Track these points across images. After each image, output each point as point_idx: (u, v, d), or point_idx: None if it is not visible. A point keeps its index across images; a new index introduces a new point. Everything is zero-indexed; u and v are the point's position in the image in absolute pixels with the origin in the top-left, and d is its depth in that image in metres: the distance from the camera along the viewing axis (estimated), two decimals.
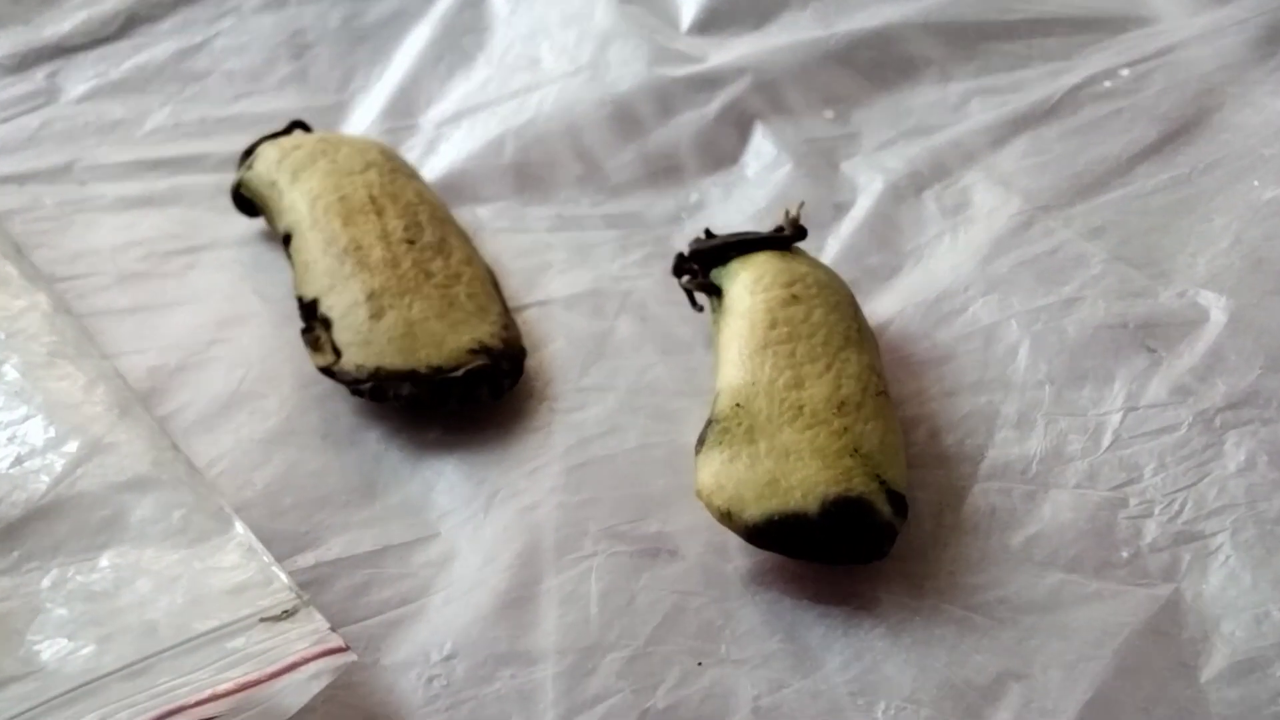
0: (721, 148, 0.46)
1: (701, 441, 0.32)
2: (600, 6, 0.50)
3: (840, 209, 0.42)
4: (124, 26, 0.51)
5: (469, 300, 0.36)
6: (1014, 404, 0.35)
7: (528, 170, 0.46)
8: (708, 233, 0.38)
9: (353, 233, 0.38)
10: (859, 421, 0.31)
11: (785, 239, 0.37)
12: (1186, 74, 0.45)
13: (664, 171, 0.45)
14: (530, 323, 0.39)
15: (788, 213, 0.38)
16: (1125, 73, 0.45)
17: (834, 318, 0.34)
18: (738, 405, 0.32)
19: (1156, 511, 0.32)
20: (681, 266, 0.38)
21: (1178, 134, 0.43)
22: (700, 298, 0.37)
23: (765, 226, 0.42)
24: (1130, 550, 0.31)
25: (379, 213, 0.39)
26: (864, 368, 0.33)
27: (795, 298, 0.34)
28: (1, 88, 0.48)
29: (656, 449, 0.34)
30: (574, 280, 0.41)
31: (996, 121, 0.44)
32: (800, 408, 0.31)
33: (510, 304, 0.39)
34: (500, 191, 0.45)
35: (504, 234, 0.43)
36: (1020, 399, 0.35)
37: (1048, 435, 0.34)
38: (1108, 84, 0.45)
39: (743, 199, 0.44)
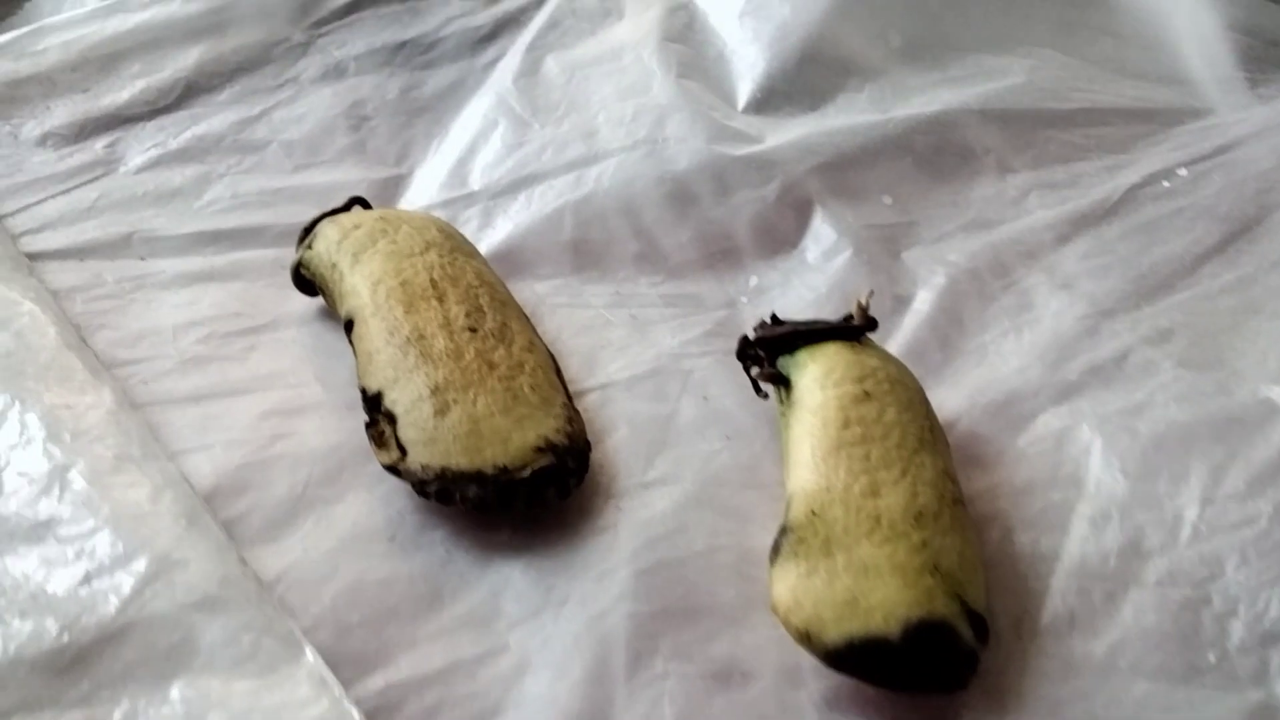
0: (780, 231, 0.46)
1: (776, 551, 0.31)
2: (657, 80, 0.51)
3: (901, 301, 0.42)
4: (182, 96, 0.51)
5: (532, 392, 0.36)
6: (1088, 500, 0.35)
7: (586, 247, 0.46)
8: (774, 318, 0.38)
9: (415, 320, 0.37)
10: (937, 534, 0.31)
11: (855, 329, 0.37)
12: (1244, 172, 0.45)
13: (722, 253, 0.45)
14: (592, 410, 0.39)
15: (859, 303, 0.37)
16: (1183, 172, 0.45)
17: (907, 417, 0.34)
18: (813, 513, 0.31)
19: (1241, 610, 0.31)
20: (746, 351, 0.38)
21: (1240, 233, 0.43)
22: (766, 385, 0.37)
23: (826, 314, 0.42)
24: (1216, 653, 0.30)
25: (440, 298, 0.38)
26: (939, 474, 0.33)
27: (868, 394, 0.34)
28: (60, 158, 0.48)
29: (725, 552, 0.34)
30: (634, 359, 0.41)
31: (1057, 219, 0.44)
32: (877, 518, 0.31)
33: (572, 388, 0.39)
34: (558, 268, 0.45)
35: (563, 309, 0.43)
36: (1095, 494, 0.35)
37: (1124, 530, 0.34)
38: (1166, 184, 0.45)
39: (802, 285, 0.44)
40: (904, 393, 0.35)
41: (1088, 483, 0.35)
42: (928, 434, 0.34)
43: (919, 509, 0.31)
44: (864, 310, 0.37)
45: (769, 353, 0.37)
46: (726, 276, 0.44)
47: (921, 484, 0.32)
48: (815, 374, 0.35)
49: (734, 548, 0.34)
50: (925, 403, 0.35)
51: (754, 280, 0.44)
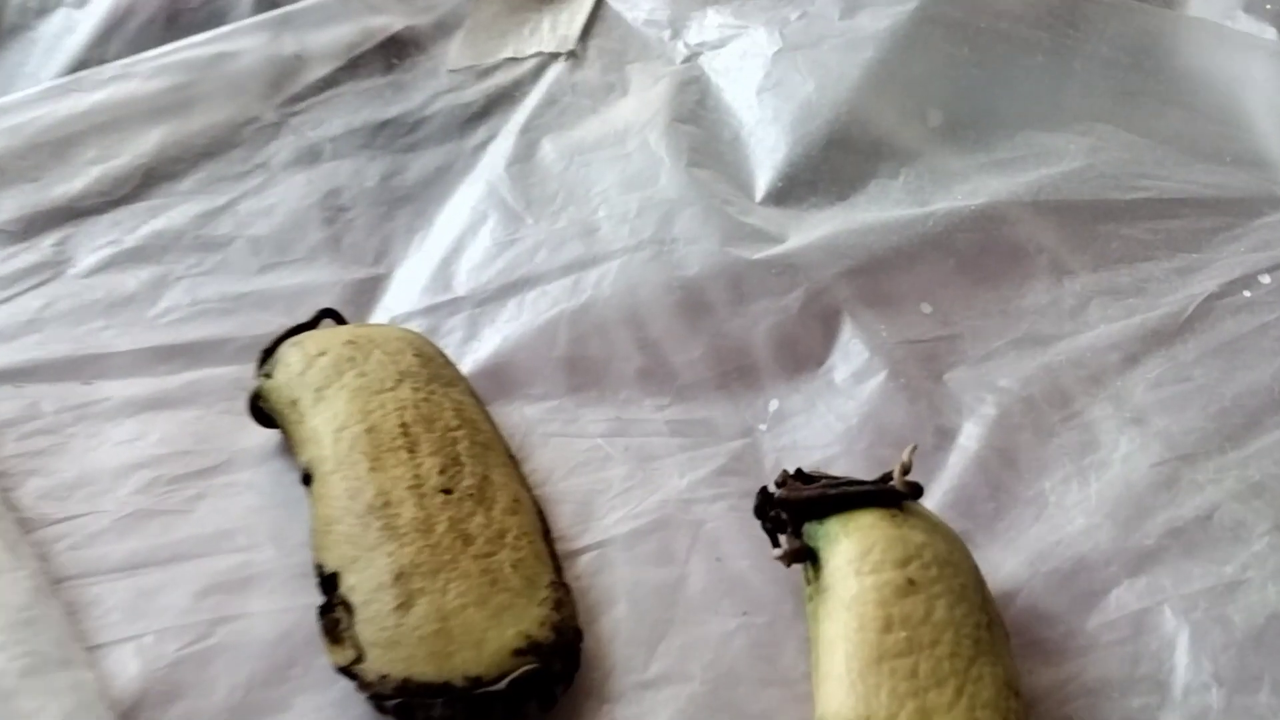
0: (804, 346, 0.40)
1: None
2: (666, 169, 0.45)
3: (945, 435, 0.37)
4: (141, 185, 0.46)
5: (514, 571, 0.31)
6: (1175, 712, 0.29)
7: (583, 364, 0.40)
8: (800, 473, 0.33)
9: (381, 481, 0.32)
10: None
11: (896, 495, 0.31)
12: None
13: (737, 372, 0.40)
14: (586, 576, 0.34)
15: (902, 464, 0.32)
16: (1266, 279, 0.39)
17: (960, 612, 0.28)
18: None
19: None
20: (767, 512, 0.33)
21: None
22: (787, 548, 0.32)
23: (858, 450, 0.37)
24: None
25: (411, 448, 0.33)
26: (999, 689, 0.27)
27: (912, 584, 0.28)
28: (5, 259, 0.43)
29: None
30: (636, 507, 0.36)
31: (1123, 336, 0.38)
32: None
33: (563, 546, 0.34)
34: (552, 388, 0.40)
35: (555, 440, 0.38)
36: (1182, 704, 0.29)
37: None
38: (1247, 293, 0.39)
39: (829, 412, 0.38)
40: (955, 577, 0.29)
41: (1174, 688, 0.30)
42: (984, 633, 0.28)
43: None
44: (906, 470, 0.31)
45: (793, 518, 0.31)
46: (743, 400, 0.39)
47: (980, 707, 0.26)
48: (849, 553, 0.29)
49: None
50: (980, 586, 0.30)
51: (774, 405, 0.39)
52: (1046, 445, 0.36)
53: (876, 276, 0.41)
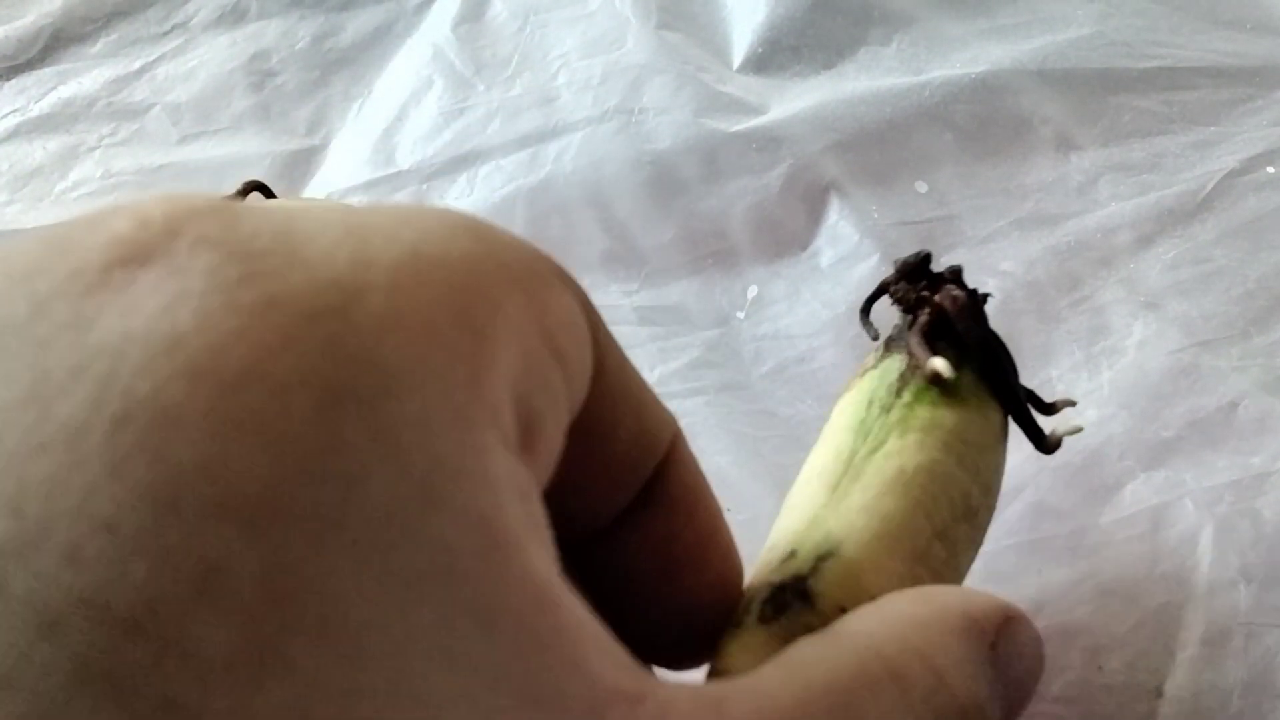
0: (787, 227, 0.36)
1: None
2: (633, 31, 0.41)
3: None
4: (47, 48, 0.41)
5: None
6: (1199, 610, 0.26)
7: (542, 246, 0.36)
8: (958, 279, 0.24)
9: None
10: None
11: (1043, 441, 0.24)
12: None
13: (713, 256, 0.36)
14: None
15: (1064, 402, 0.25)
16: None
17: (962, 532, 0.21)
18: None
19: None
20: (910, 300, 0.23)
21: None
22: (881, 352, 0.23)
23: (845, 336, 0.34)
24: None
25: None
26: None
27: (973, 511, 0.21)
28: None
29: None
30: None
31: (1136, 215, 0.35)
32: None
33: None
34: None
35: None
36: (1207, 603, 0.26)
37: (1250, 655, 0.26)
38: (1270, 169, 0.36)
39: (814, 299, 0.35)
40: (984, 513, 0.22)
41: (1197, 585, 0.27)
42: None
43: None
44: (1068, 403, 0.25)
45: (936, 330, 0.23)
46: (719, 286, 0.35)
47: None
48: (942, 422, 0.21)
49: None
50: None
51: (753, 291, 0.35)
52: (1053, 332, 0.33)
53: (867, 152, 0.37)
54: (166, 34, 0.42)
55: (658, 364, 0.34)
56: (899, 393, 0.22)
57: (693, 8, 0.41)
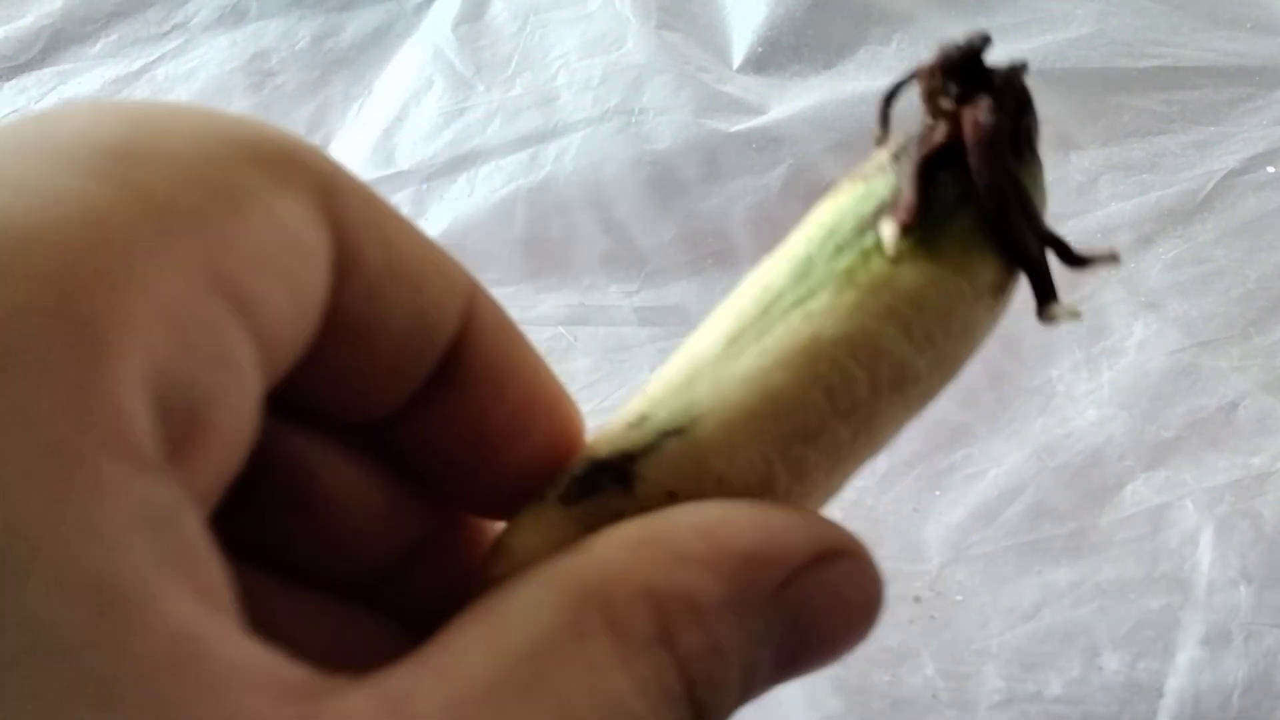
0: (787, 228, 0.36)
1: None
2: (633, 31, 0.41)
3: None
4: (48, 48, 0.41)
5: None
6: (1198, 611, 0.26)
7: (542, 246, 0.37)
8: (1012, 86, 0.17)
9: None
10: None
11: (1047, 289, 0.18)
12: None
13: (713, 256, 0.36)
14: None
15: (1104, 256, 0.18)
16: None
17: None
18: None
19: None
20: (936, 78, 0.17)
21: None
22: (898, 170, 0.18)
23: None
24: None
25: None
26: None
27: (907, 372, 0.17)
28: None
29: None
30: (603, 401, 0.33)
31: (1135, 215, 0.35)
32: None
33: None
34: (508, 272, 0.36)
35: None
36: (1207, 604, 0.27)
37: (1250, 656, 0.26)
38: (1270, 169, 0.36)
39: None
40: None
41: (1196, 586, 0.27)
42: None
43: None
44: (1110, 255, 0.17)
45: (937, 165, 0.17)
46: (719, 286, 0.35)
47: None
48: (896, 283, 0.16)
49: None
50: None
51: None
52: (1053, 332, 0.33)
53: (866, 152, 0.37)
54: (166, 34, 0.42)
55: (658, 364, 0.34)
56: (863, 231, 0.17)
57: (693, 8, 0.41)
